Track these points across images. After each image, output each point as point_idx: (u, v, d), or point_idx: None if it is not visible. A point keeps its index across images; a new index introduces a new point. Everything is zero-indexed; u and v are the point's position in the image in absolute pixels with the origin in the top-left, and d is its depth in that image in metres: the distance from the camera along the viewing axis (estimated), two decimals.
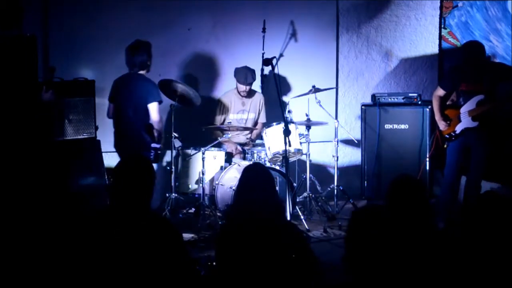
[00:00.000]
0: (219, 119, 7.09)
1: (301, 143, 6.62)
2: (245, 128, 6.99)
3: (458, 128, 6.30)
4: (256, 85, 7.34)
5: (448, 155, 6.42)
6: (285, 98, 7.28)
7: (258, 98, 7.19)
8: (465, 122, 6.26)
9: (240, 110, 7.09)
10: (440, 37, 7.93)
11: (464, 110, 6.27)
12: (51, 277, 3.22)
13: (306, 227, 6.35)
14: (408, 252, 2.81)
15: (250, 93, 7.10)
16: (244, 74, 6.91)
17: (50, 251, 3.36)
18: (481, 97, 6.19)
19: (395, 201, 3.23)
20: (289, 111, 6.58)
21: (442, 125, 6.38)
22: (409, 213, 3.15)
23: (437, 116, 6.43)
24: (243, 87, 6.95)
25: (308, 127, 6.87)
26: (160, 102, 6.21)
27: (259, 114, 7.19)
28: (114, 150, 6.41)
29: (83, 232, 3.19)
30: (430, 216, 3.26)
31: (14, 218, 4.52)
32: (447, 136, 6.38)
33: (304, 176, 6.83)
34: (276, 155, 6.47)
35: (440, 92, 6.43)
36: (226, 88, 7.27)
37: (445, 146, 6.45)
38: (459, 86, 6.29)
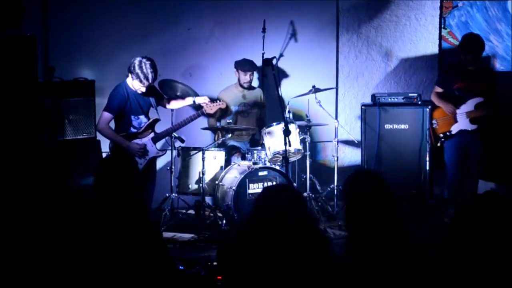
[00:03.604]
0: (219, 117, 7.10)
1: (301, 142, 6.61)
2: (245, 129, 6.99)
3: (454, 129, 6.27)
4: (256, 85, 7.35)
5: (446, 156, 6.40)
6: (285, 98, 7.28)
7: (259, 92, 7.22)
8: (462, 123, 6.22)
9: (242, 103, 7.09)
10: (440, 37, 7.93)
11: (461, 110, 6.23)
12: (49, 276, 3.22)
13: None
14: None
15: (251, 87, 7.14)
16: (246, 63, 6.99)
17: (50, 251, 3.37)
18: (480, 99, 6.15)
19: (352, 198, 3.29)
20: (289, 111, 6.58)
21: (450, 108, 6.27)
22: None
23: (442, 104, 6.34)
24: (247, 77, 6.98)
25: (308, 128, 6.88)
26: (106, 110, 6.05)
27: (261, 109, 7.19)
28: None
29: (77, 232, 3.23)
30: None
31: (14, 218, 4.52)
32: (441, 135, 6.35)
33: (304, 176, 6.83)
34: (276, 155, 6.47)
35: (438, 89, 6.43)
36: None
37: (438, 144, 6.40)
38: (455, 83, 6.27)
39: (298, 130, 6.57)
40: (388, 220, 3.22)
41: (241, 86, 7.07)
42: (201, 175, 6.42)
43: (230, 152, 6.92)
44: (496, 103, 6.16)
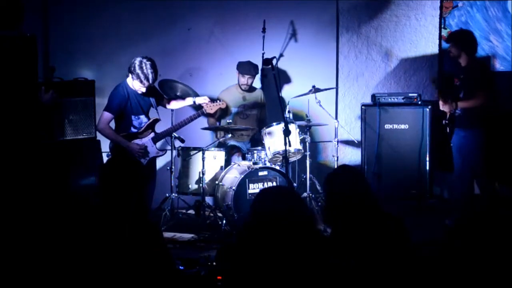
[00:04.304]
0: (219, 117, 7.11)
1: (301, 142, 6.61)
2: (245, 129, 6.99)
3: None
4: (256, 85, 7.35)
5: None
6: (285, 98, 7.28)
7: (259, 93, 7.22)
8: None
9: (241, 104, 7.09)
10: (440, 37, 7.93)
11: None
12: (49, 277, 3.23)
13: None
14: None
15: (251, 89, 7.12)
16: (247, 66, 6.96)
17: (50, 251, 3.37)
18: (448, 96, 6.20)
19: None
20: (289, 111, 6.58)
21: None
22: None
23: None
24: (244, 80, 6.96)
25: (308, 128, 6.88)
26: (106, 110, 6.06)
27: (261, 110, 7.20)
28: None
29: (77, 232, 3.23)
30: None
31: (13, 219, 4.51)
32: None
33: (304, 176, 6.83)
34: (276, 155, 6.47)
35: None
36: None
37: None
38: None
39: (298, 130, 6.57)
40: (368, 217, 3.23)
41: (241, 88, 7.07)
42: (201, 175, 6.41)
43: (230, 152, 6.92)
44: (477, 101, 6.10)
